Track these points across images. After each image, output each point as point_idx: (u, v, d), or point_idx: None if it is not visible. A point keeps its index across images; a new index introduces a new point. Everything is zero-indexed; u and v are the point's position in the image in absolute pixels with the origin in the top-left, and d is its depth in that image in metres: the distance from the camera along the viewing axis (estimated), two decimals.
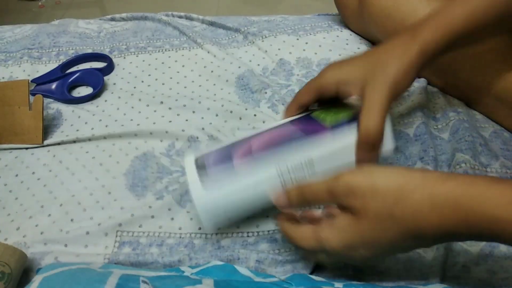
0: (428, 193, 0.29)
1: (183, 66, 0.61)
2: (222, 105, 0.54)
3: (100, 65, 0.62)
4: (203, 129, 0.51)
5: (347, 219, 0.32)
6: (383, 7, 0.54)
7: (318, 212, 0.36)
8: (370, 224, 0.31)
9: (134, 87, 0.58)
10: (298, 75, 0.58)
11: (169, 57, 0.62)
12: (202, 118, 0.53)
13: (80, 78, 0.59)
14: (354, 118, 0.38)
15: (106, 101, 0.57)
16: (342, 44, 0.62)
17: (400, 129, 0.49)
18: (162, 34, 0.66)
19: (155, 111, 0.55)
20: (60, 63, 0.62)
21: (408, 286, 0.37)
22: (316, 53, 0.60)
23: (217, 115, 0.53)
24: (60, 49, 0.65)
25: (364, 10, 0.57)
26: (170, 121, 0.53)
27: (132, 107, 0.55)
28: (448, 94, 0.54)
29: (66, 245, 0.42)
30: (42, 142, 0.52)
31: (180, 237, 0.43)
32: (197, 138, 0.51)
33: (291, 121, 0.41)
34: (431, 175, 0.30)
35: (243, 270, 0.38)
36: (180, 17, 0.71)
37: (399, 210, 0.30)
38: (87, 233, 0.43)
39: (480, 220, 0.27)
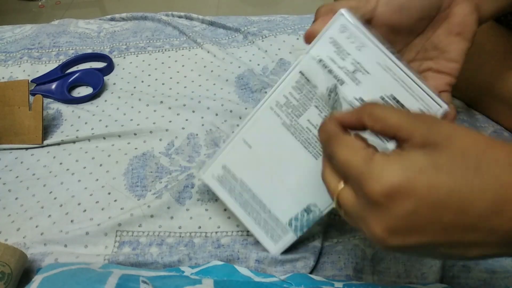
0: None
1: (183, 66, 0.61)
2: (222, 105, 0.54)
3: (100, 65, 0.62)
4: (202, 125, 0.51)
5: (421, 154, 0.22)
6: None
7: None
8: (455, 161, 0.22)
9: (134, 87, 0.59)
10: None
11: (169, 57, 0.62)
12: (202, 117, 0.53)
13: (80, 78, 0.59)
14: None
15: (106, 101, 0.57)
16: None
17: None
18: (162, 34, 0.66)
19: (155, 111, 0.55)
20: (60, 63, 0.62)
21: (408, 286, 0.37)
22: None
23: (217, 115, 0.53)
24: (60, 49, 0.65)
25: None
26: (170, 121, 0.53)
27: (132, 107, 0.56)
28: None
29: (66, 246, 0.42)
30: (42, 142, 0.52)
31: (180, 236, 0.43)
32: (197, 135, 0.51)
33: None
34: None
35: (243, 270, 0.38)
36: (180, 17, 0.71)
37: (491, 154, 0.22)
38: (87, 233, 0.43)
39: None
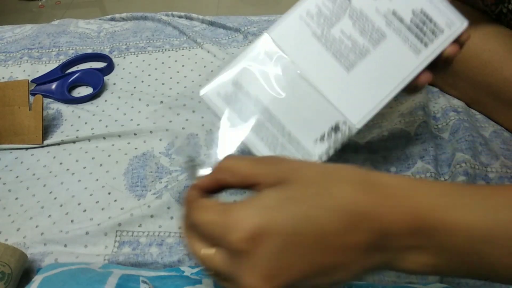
0: (362, 173, 0.24)
1: (183, 66, 0.61)
2: None
3: (100, 65, 0.62)
4: (202, 125, 0.51)
5: (273, 191, 0.23)
6: None
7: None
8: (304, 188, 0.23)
9: (134, 87, 0.59)
10: None
11: (169, 57, 0.62)
12: (202, 117, 0.53)
13: (80, 78, 0.59)
14: None
15: (106, 101, 0.57)
16: None
17: (401, 128, 0.49)
18: (162, 34, 0.66)
19: (155, 110, 0.55)
20: (60, 63, 0.62)
21: (408, 286, 0.37)
22: None
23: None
24: (60, 49, 0.65)
25: None
26: (170, 121, 0.53)
27: (132, 107, 0.56)
28: (448, 94, 0.54)
29: (66, 246, 0.42)
30: (42, 142, 0.52)
31: (180, 236, 0.43)
32: (197, 135, 0.51)
33: None
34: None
35: None
36: (180, 17, 0.71)
37: (336, 177, 0.24)
38: (87, 233, 0.43)
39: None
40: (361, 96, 0.34)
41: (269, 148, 0.33)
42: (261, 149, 0.33)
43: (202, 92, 0.35)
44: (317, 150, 0.33)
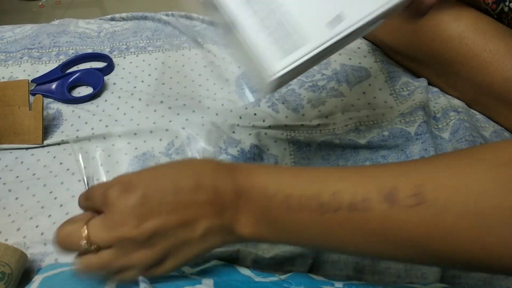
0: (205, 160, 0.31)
1: (183, 65, 0.61)
2: (222, 104, 0.54)
3: (100, 65, 0.62)
4: (203, 125, 0.51)
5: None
6: None
7: None
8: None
9: (134, 87, 0.58)
10: None
11: (169, 56, 0.62)
12: (202, 117, 0.53)
13: (80, 78, 0.59)
14: None
15: (106, 101, 0.57)
16: None
17: (401, 128, 0.49)
18: (162, 34, 0.66)
19: (155, 110, 0.55)
20: (60, 63, 0.62)
21: (408, 286, 0.37)
22: None
23: (217, 114, 0.53)
24: (60, 49, 0.65)
25: None
26: (170, 121, 0.53)
27: (132, 107, 0.55)
28: (448, 94, 0.54)
29: None
30: (42, 142, 0.52)
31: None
32: (197, 135, 0.51)
33: None
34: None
35: (243, 270, 0.38)
36: (180, 16, 0.71)
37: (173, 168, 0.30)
38: None
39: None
40: None
41: (265, 26, 0.29)
42: (252, 31, 0.29)
43: None
44: (321, 37, 0.29)
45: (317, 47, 0.29)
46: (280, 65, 0.28)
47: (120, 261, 0.28)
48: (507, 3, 0.48)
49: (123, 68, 0.61)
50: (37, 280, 0.31)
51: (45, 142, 0.52)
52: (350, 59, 0.59)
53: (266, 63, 0.29)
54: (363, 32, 0.33)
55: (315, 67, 0.58)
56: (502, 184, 0.22)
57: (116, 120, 0.54)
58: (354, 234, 0.26)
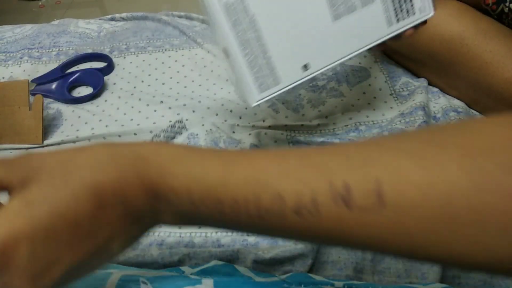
0: (110, 148, 0.24)
1: (183, 65, 0.61)
2: (222, 104, 0.54)
3: (100, 65, 0.62)
4: (203, 125, 0.51)
5: (17, 198, 0.22)
6: None
7: None
8: (41, 187, 0.22)
9: (134, 87, 0.58)
10: None
11: (169, 56, 0.62)
12: (202, 117, 0.53)
13: (80, 78, 0.59)
14: None
15: (106, 101, 0.57)
16: None
17: (401, 128, 0.49)
18: (162, 34, 0.66)
19: (155, 110, 0.55)
20: (60, 63, 0.62)
21: (408, 286, 0.37)
22: None
23: (217, 114, 0.53)
24: (60, 49, 0.65)
25: None
26: (170, 121, 0.53)
27: (132, 107, 0.55)
28: (448, 94, 0.54)
29: None
30: (42, 142, 0.52)
31: (180, 236, 0.43)
32: (197, 135, 0.51)
33: None
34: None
35: (243, 270, 0.38)
36: (180, 17, 0.71)
37: (74, 163, 0.23)
38: None
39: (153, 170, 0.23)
40: (333, 45, 0.38)
41: (249, 65, 0.36)
42: (241, 64, 0.36)
43: None
44: (286, 75, 0.38)
45: (287, 87, 0.38)
46: (256, 98, 0.38)
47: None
48: (507, 4, 0.49)
49: (123, 68, 0.61)
50: None
51: (45, 142, 0.52)
52: (350, 59, 0.58)
53: (247, 93, 0.37)
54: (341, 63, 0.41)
55: None
56: (477, 181, 0.18)
57: (116, 120, 0.54)
58: (301, 236, 0.23)
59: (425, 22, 0.40)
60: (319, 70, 0.38)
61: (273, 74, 0.37)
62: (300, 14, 0.36)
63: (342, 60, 0.39)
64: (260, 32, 0.36)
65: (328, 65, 0.39)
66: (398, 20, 0.39)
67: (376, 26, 0.38)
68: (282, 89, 0.38)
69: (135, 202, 0.23)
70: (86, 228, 0.22)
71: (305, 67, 0.38)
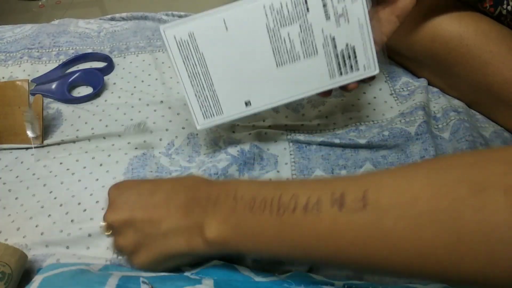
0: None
1: None
2: None
3: (100, 65, 0.62)
4: None
5: None
6: None
7: None
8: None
9: (134, 87, 0.58)
10: None
11: None
12: None
13: (80, 78, 0.59)
14: None
15: (106, 100, 0.57)
16: None
17: (402, 128, 0.49)
18: None
19: (155, 110, 0.55)
20: (60, 63, 0.62)
21: (408, 286, 0.37)
22: None
23: None
24: (60, 49, 0.65)
25: None
26: (170, 121, 0.53)
27: (132, 107, 0.55)
28: (448, 94, 0.54)
29: (68, 247, 0.42)
30: (42, 142, 0.52)
31: None
32: (197, 135, 0.51)
33: None
34: None
35: (243, 270, 0.38)
36: (180, 16, 0.71)
37: None
38: (89, 235, 0.43)
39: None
40: (275, 88, 0.41)
41: (196, 94, 0.42)
42: (189, 92, 0.42)
43: (163, 28, 0.39)
44: (229, 108, 0.42)
45: (229, 117, 0.43)
46: (200, 122, 0.43)
47: (115, 244, 0.37)
48: (504, 6, 0.48)
49: (123, 68, 0.61)
50: (37, 280, 0.31)
51: (45, 142, 0.52)
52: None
53: (194, 117, 0.43)
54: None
55: None
56: (437, 188, 0.24)
57: (116, 120, 0.54)
58: (306, 236, 0.28)
59: (373, 77, 0.42)
60: (261, 108, 0.42)
61: (217, 105, 0.42)
62: (246, 57, 0.40)
63: (283, 102, 0.42)
64: (207, 68, 0.40)
65: (269, 105, 0.42)
66: (341, 74, 0.41)
67: (318, 77, 0.41)
68: (225, 119, 0.43)
69: (194, 197, 0.34)
70: (156, 200, 0.35)
71: (247, 104, 0.42)
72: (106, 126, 0.53)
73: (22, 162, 0.51)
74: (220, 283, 0.34)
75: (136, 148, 0.51)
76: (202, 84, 0.41)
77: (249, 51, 0.40)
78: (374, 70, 0.41)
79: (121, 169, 0.49)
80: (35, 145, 0.52)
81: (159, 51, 0.63)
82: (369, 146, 0.48)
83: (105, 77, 0.60)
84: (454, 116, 0.50)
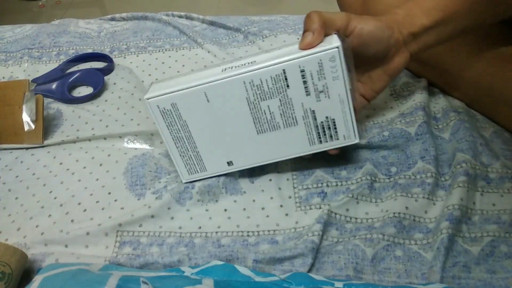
0: None
1: (183, 65, 0.61)
2: None
3: (100, 65, 0.62)
4: None
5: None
6: (388, 6, 0.53)
7: None
8: None
9: (135, 87, 0.58)
10: None
11: (170, 56, 0.62)
12: None
13: (80, 78, 0.59)
14: None
15: (106, 101, 0.57)
16: None
17: (402, 128, 0.49)
18: (162, 34, 0.66)
19: None
20: (60, 63, 0.62)
21: (408, 286, 0.37)
22: None
23: None
24: (60, 49, 0.65)
25: (368, 9, 0.56)
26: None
27: (133, 107, 0.55)
28: (448, 95, 0.54)
29: (66, 246, 0.42)
30: (42, 142, 0.52)
31: (180, 236, 0.43)
32: None
33: None
34: None
35: (243, 270, 0.38)
36: (180, 16, 0.71)
37: None
38: (88, 233, 0.43)
39: None
40: (256, 151, 0.43)
41: (180, 154, 0.44)
42: (173, 153, 0.44)
43: (146, 96, 0.41)
44: (213, 167, 0.45)
45: (213, 174, 0.46)
46: (185, 177, 0.46)
47: None
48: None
49: (123, 68, 0.61)
50: (37, 280, 0.31)
51: (45, 142, 0.52)
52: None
53: (179, 172, 0.46)
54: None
55: None
56: None
57: (116, 120, 0.54)
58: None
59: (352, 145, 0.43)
60: (243, 167, 0.45)
61: (201, 164, 0.45)
62: (227, 125, 0.42)
63: (265, 163, 0.45)
64: (190, 133, 0.43)
65: (251, 165, 0.45)
66: (321, 142, 0.43)
67: (298, 143, 0.43)
68: (209, 175, 0.46)
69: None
70: None
71: (229, 163, 0.45)
72: (107, 126, 0.53)
73: (22, 162, 0.51)
74: (220, 283, 0.34)
75: (136, 149, 0.51)
76: (186, 146, 0.43)
77: (231, 120, 0.41)
78: (355, 139, 0.42)
79: (121, 169, 0.49)
80: (35, 145, 0.52)
81: (159, 51, 0.63)
82: (369, 146, 0.48)
83: (106, 77, 0.60)
84: (454, 117, 0.50)
